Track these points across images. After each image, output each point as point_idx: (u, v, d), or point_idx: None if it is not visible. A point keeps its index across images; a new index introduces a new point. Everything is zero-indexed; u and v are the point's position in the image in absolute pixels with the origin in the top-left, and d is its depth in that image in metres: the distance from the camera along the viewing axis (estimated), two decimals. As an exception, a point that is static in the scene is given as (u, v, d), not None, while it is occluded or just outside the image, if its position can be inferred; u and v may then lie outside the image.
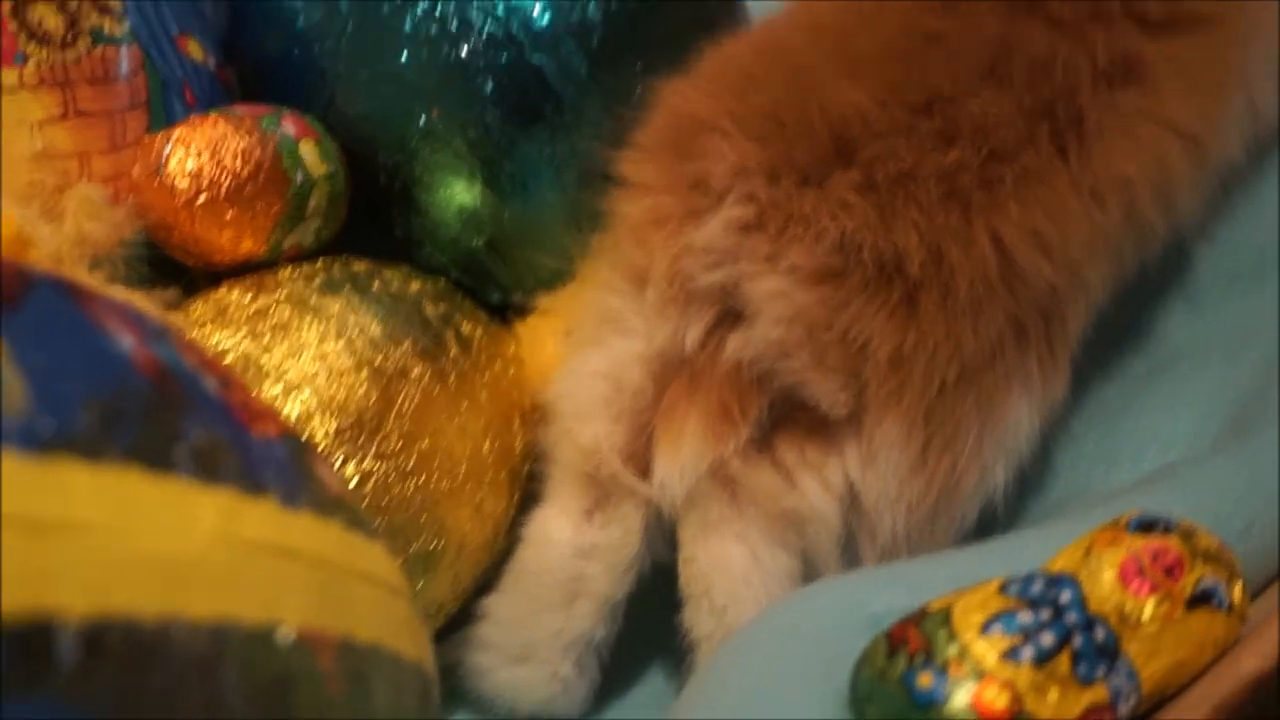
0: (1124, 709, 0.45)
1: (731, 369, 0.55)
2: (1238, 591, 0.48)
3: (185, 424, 0.31)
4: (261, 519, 0.32)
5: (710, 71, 0.60)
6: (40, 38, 0.57)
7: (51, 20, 0.58)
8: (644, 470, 0.58)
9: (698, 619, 0.57)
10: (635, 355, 0.57)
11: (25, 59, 0.57)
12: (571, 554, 0.58)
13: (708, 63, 0.61)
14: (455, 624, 0.61)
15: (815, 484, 0.55)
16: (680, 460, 0.56)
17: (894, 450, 0.54)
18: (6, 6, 0.57)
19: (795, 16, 0.64)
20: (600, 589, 0.58)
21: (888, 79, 0.56)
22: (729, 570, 0.56)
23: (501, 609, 0.59)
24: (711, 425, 0.55)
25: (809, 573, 0.57)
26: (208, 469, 0.31)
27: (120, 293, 0.53)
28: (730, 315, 0.55)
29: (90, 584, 0.27)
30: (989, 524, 0.59)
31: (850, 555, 0.57)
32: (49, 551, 0.26)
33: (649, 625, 0.60)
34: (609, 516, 0.58)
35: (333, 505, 0.37)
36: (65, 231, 0.54)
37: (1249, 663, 0.45)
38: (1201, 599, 0.47)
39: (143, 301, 0.53)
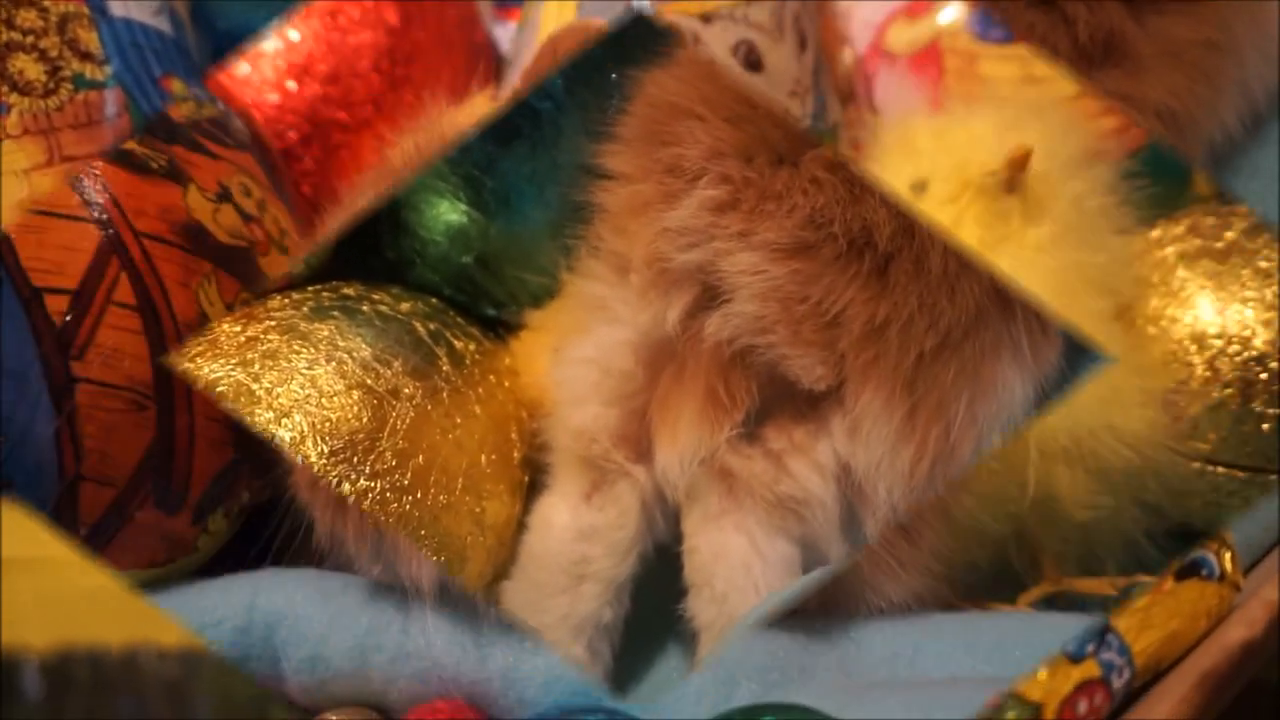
0: (1117, 683, 0.45)
1: (714, 350, 0.56)
2: (1229, 560, 0.48)
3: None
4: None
5: (686, 59, 0.62)
6: (21, 88, 0.58)
7: (32, 70, 0.59)
8: (637, 454, 0.59)
9: (700, 607, 0.58)
10: (622, 341, 0.59)
11: (8, 109, 0.58)
12: (572, 537, 0.59)
13: (685, 51, 0.62)
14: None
15: (806, 467, 0.57)
16: (679, 448, 0.57)
17: (877, 420, 0.55)
18: (-14, 60, 0.58)
19: None
20: (603, 570, 0.60)
21: None
22: (729, 559, 0.57)
23: (510, 596, 0.61)
24: (705, 412, 0.57)
25: (814, 557, 0.58)
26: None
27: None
28: (709, 296, 0.57)
29: (54, 618, 0.28)
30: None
31: (855, 536, 0.58)
32: (10, 589, 0.27)
33: (663, 610, 0.61)
34: (605, 498, 0.60)
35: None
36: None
37: (1236, 632, 0.45)
38: (1190, 570, 0.47)
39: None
